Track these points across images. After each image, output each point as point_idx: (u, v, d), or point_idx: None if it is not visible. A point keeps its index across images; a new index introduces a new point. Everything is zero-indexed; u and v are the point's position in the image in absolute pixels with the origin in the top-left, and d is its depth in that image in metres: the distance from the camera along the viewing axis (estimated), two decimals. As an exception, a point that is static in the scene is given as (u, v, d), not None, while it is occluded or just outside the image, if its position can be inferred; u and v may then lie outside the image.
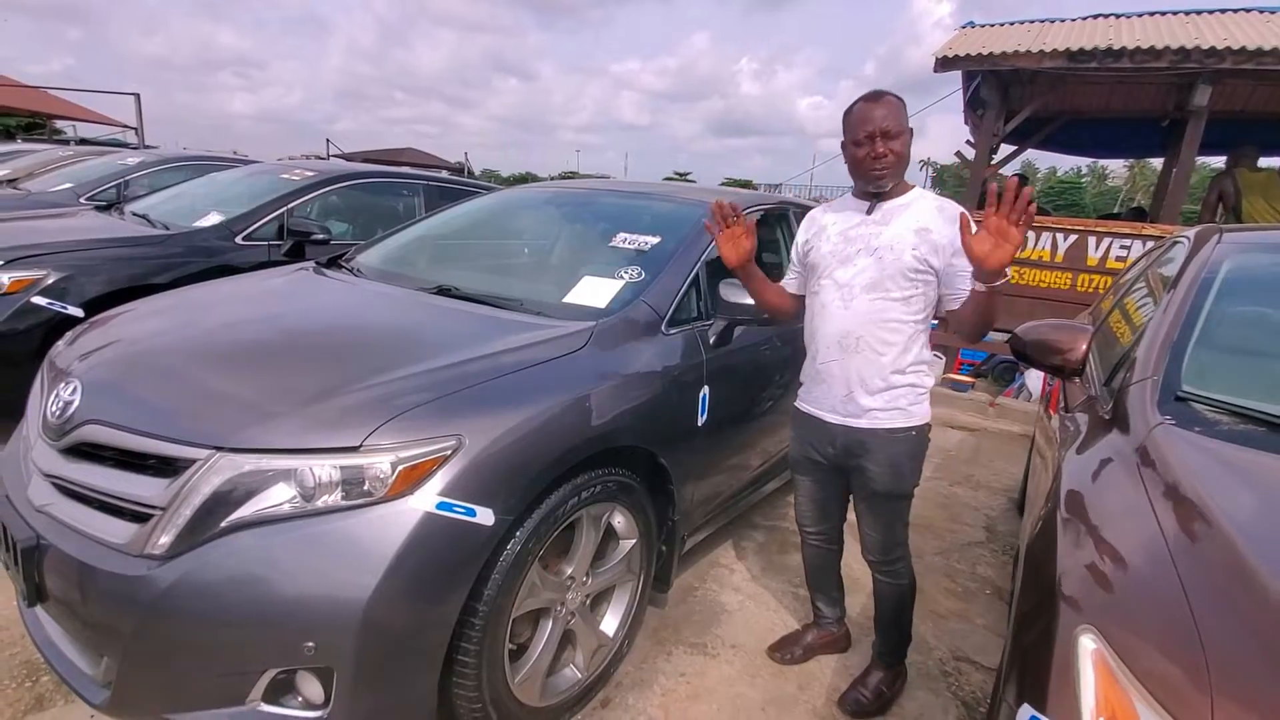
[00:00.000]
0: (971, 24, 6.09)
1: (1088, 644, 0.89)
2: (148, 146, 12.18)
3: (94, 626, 1.34)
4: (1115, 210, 13.37)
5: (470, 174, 24.65)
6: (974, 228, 1.46)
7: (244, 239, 3.68)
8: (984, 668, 2.17)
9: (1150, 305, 1.99)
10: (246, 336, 1.81)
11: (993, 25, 6.00)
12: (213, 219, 3.70)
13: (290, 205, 3.89)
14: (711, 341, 2.12)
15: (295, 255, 3.62)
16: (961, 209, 1.65)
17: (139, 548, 1.27)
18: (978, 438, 4.78)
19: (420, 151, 31.48)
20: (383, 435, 1.32)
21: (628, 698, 1.90)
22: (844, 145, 1.71)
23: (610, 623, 1.90)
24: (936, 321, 1.77)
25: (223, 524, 1.26)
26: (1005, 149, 7.15)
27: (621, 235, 2.34)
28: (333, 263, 2.56)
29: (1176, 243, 2.33)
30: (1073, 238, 5.33)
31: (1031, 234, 5.48)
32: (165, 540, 1.26)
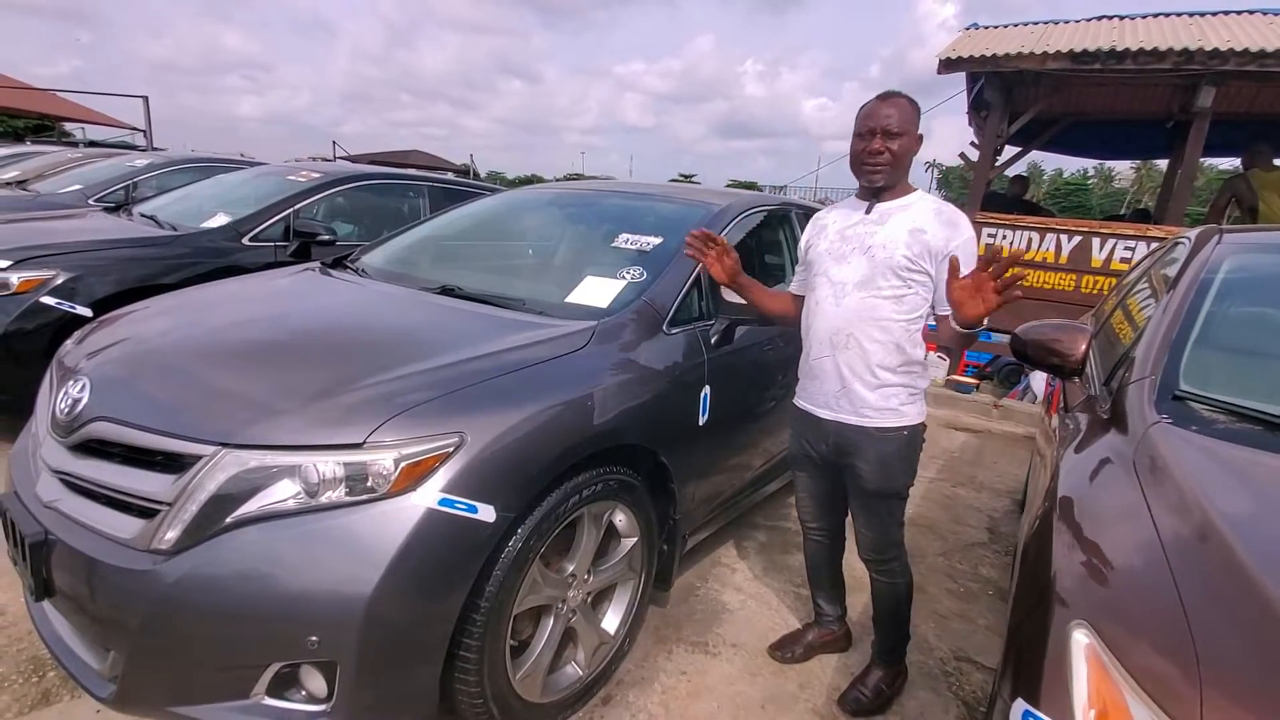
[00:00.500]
0: (975, 26, 6.09)
1: (1081, 639, 0.90)
2: (156, 149, 12.27)
3: (101, 621, 1.36)
4: (1121, 212, 13.34)
5: (475, 176, 24.72)
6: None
7: (251, 240, 3.72)
8: (985, 668, 2.18)
9: (1151, 306, 1.99)
10: (252, 335, 1.83)
11: (996, 27, 6.00)
12: (220, 220, 3.74)
13: (296, 206, 3.92)
14: (713, 341, 2.13)
15: (301, 256, 3.65)
16: (962, 217, 1.67)
17: (146, 543, 1.29)
18: (981, 439, 4.78)
19: (426, 154, 31.61)
20: (386, 432, 1.34)
21: (629, 695, 1.91)
22: (851, 140, 1.74)
23: (611, 621, 1.91)
24: (936, 324, 1.77)
25: (228, 519, 1.28)
26: (1009, 151, 7.14)
27: (624, 236, 2.35)
28: (338, 263, 2.59)
29: (1178, 243, 2.33)
30: (1077, 239, 5.33)
31: (1036, 235, 5.48)
32: (172, 535, 1.28)
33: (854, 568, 2.11)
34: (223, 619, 1.26)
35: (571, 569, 1.71)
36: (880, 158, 1.65)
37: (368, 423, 1.35)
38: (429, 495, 1.32)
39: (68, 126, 20.98)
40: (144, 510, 1.33)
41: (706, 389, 2.07)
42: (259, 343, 1.78)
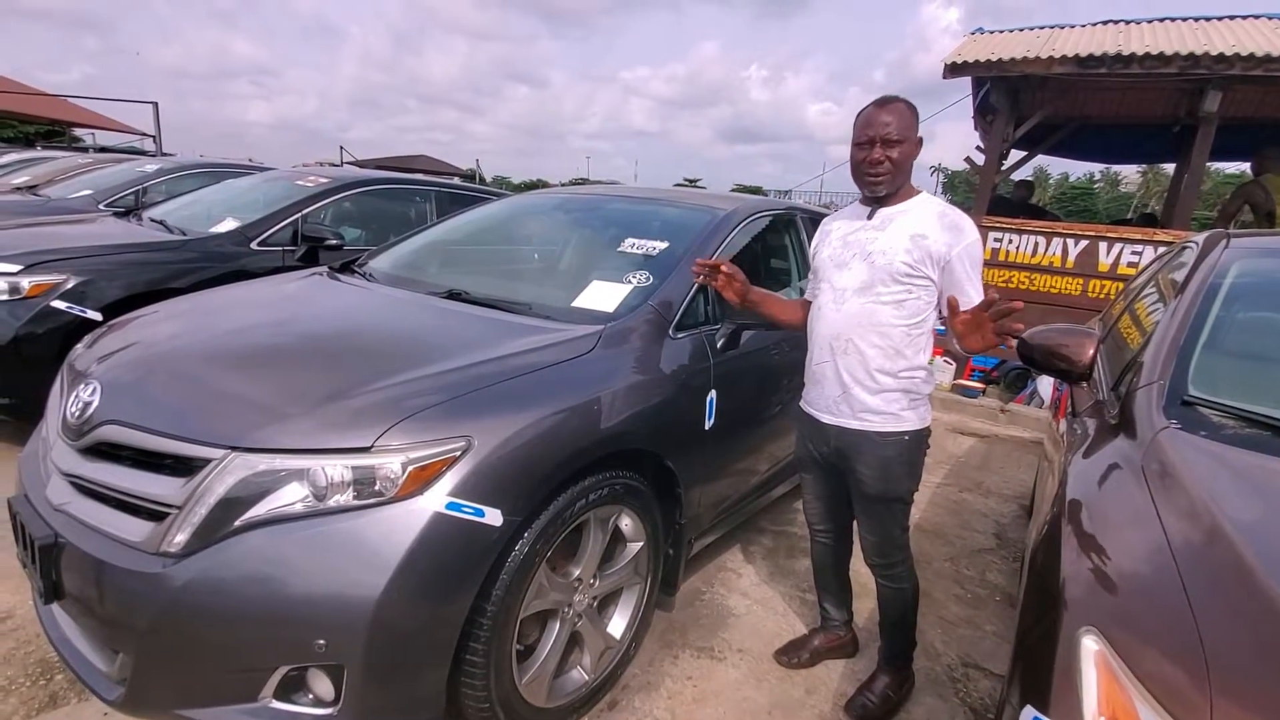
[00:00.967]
0: (981, 30, 6.09)
1: (1090, 645, 0.90)
2: (165, 154, 12.36)
3: (109, 623, 1.36)
4: (1128, 216, 13.30)
5: (481, 180, 24.81)
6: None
7: (259, 244, 3.74)
8: (993, 674, 2.16)
9: (1158, 311, 1.99)
10: (261, 339, 1.84)
11: (1002, 31, 6.00)
12: (228, 225, 3.76)
13: (304, 211, 3.94)
14: (719, 345, 2.13)
15: (309, 260, 3.68)
16: (966, 221, 1.66)
17: (155, 546, 1.30)
18: (988, 444, 4.76)
19: (432, 159, 31.78)
20: (393, 436, 1.34)
21: (634, 700, 1.90)
22: (850, 148, 1.74)
23: (617, 625, 1.91)
24: (945, 328, 1.76)
25: (237, 523, 1.28)
26: (1015, 155, 7.13)
27: (630, 240, 2.36)
28: (346, 268, 2.60)
29: (1186, 248, 2.32)
30: (1083, 243, 5.32)
31: (1042, 239, 5.47)
32: (181, 538, 1.29)
33: (860, 572, 2.10)
34: (231, 622, 1.27)
35: (577, 573, 1.71)
36: (881, 167, 1.64)
37: (375, 426, 1.35)
38: (436, 499, 1.33)
39: (78, 132, 21.17)
40: (153, 513, 1.34)
41: (712, 393, 2.07)
42: (267, 347, 1.79)
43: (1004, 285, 5.58)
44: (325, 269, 2.59)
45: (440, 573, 1.33)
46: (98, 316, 2.90)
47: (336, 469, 1.31)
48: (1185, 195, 5.61)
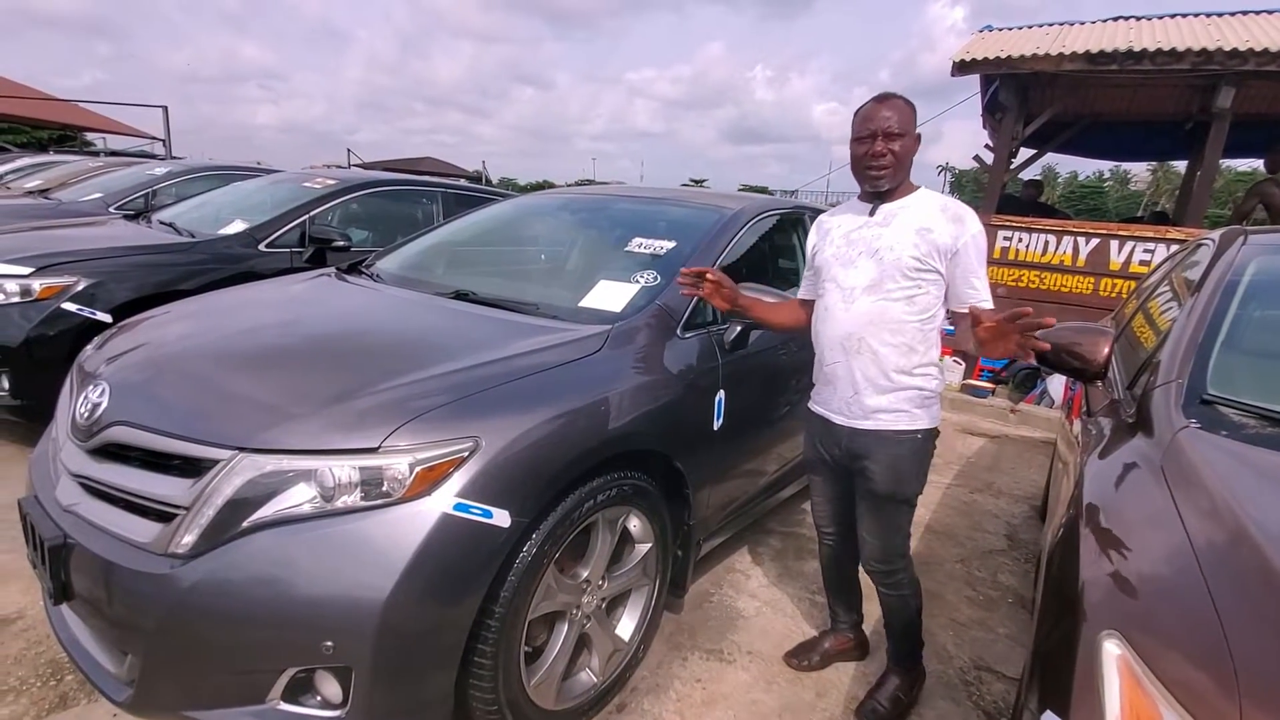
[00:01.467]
0: (989, 28, 6.05)
1: (1112, 649, 0.88)
2: (175, 157, 12.45)
3: (118, 624, 1.36)
4: (1138, 214, 13.19)
5: (487, 182, 24.88)
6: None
7: (267, 246, 3.75)
8: (1006, 677, 2.14)
9: (1174, 309, 1.96)
10: (268, 341, 1.84)
11: (1011, 29, 5.96)
12: (237, 227, 3.78)
13: (312, 213, 3.96)
14: (727, 345, 2.11)
15: (317, 262, 3.68)
16: (968, 212, 1.64)
17: (163, 547, 1.29)
18: (998, 444, 4.71)
19: (439, 160, 31.86)
20: (401, 437, 1.34)
21: (643, 703, 1.89)
22: (850, 144, 1.71)
23: (626, 627, 1.90)
24: (954, 328, 1.74)
25: (244, 524, 1.28)
26: (1025, 153, 7.08)
27: (636, 240, 2.35)
28: (353, 269, 2.60)
29: (1201, 245, 2.29)
30: (1095, 242, 5.27)
31: (1053, 238, 5.42)
32: (189, 539, 1.28)
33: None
34: (238, 623, 1.26)
35: (586, 575, 1.70)
36: (883, 159, 1.62)
37: (383, 427, 1.34)
38: (444, 500, 1.32)
39: (89, 136, 21.34)
40: (162, 514, 1.34)
41: (721, 393, 2.05)
42: (275, 348, 1.79)
43: (1014, 284, 5.54)
44: (333, 270, 2.60)
45: (448, 574, 1.32)
46: (107, 318, 2.91)
47: (344, 470, 1.31)
48: (1198, 193, 5.54)
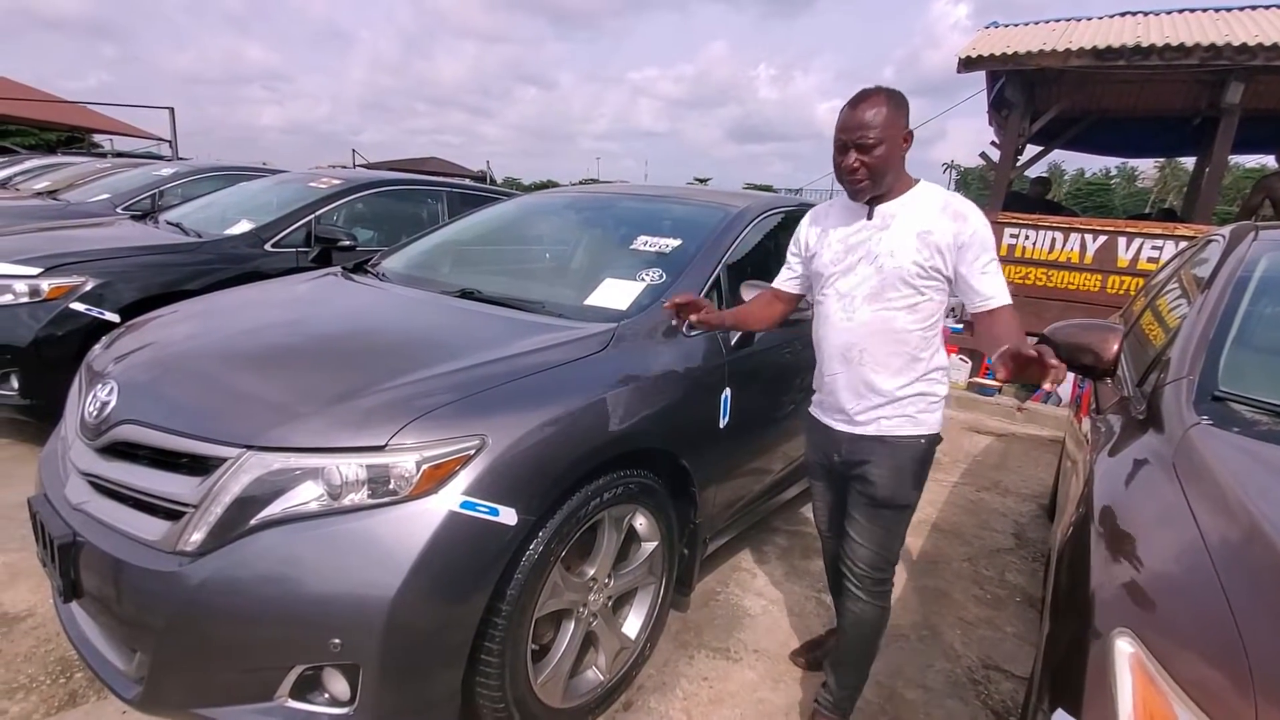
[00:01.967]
0: (995, 24, 6.02)
1: (1124, 648, 0.87)
2: (181, 158, 12.50)
3: (127, 622, 1.37)
4: (1146, 211, 13.11)
5: (492, 182, 24.91)
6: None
7: (273, 246, 3.77)
8: (1014, 676, 2.13)
9: (1184, 305, 1.94)
10: (275, 340, 1.84)
11: (1016, 25, 5.93)
12: (243, 227, 3.79)
13: (317, 213, 3.97)
14: (733, 343, 2.11)
15: (322, 261, 3.69)
16: (971, 208, 1.53)
17: (172, 544, 1.30)
18: (1005, 443, 4.69)
19: (443, 160, 31.91)
20: (407, 435, 1.34)
21: (649, 701, 1.89)
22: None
23: (632, 625, 1.90)
24: (961, 326, 1.70)
25: (252, 521, 1.28)
26: (1031, 150, 7.04)
27: (642, 238, 2.34)
28: (359, 268, 2.61)
29: (1210, 241, 2.27)
30: (1102, 239, 5.23)
31: (1060, 235, 5.39)
32: (197, 537, 1.29)
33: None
34: (247, 621, 1.27)
35: (592, 573, 1.70)
36: (857, 174, 1.51)
37: (390, 425, 1.35)
38: (451, 498, 1.32)
39: (96, 138, 21.47)
40: (170, 512, 1.34)
41: (727, 391, 2.05)
42: (282, 347, 1.79)
43: (1021, 281, 5.51)
44: (339, 269, 2.60)
45: (455, 572, 1.32)
46: (115, 318, 2.93)
47: (351, 468, 1.31)
48: (1207, 189, 5.50)
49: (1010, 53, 5.08)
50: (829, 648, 2.09)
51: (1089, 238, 5.29)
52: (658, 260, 2.21)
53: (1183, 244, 4.33)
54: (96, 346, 1.96)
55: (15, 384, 2.90)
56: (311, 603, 1.25)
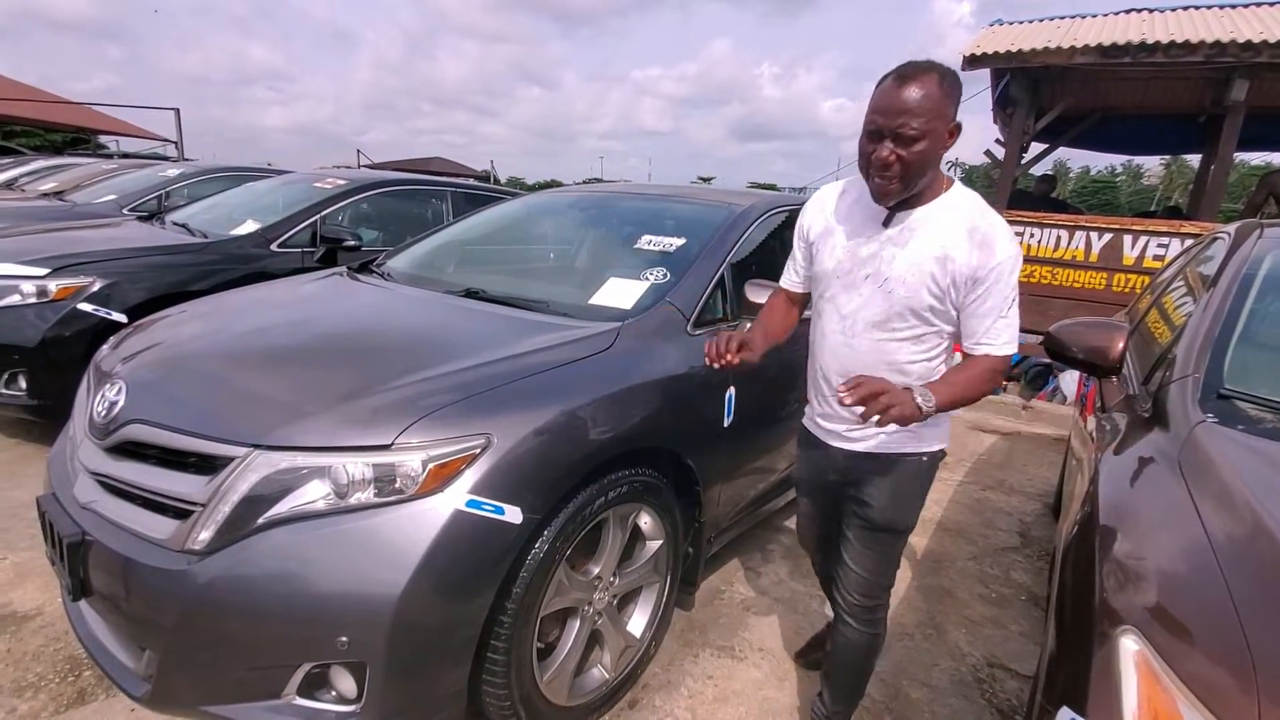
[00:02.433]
0: (999, 21, 6.00)
1: (1130, 646, 0.87)
2: (187, 159, 12.56)
3: (136, 620, 1.38)
4: (1151, 209, 13.06)
5: (495, 181, 24.95)
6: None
7: (279, 246, 3.78)
8: (1019, 675, 2.12)
9: (1189, 303, 1.94)
10: (282, 339, 1.85)
11: (1021, 22, 5.91)
12: (249, 227, 3.81)
13: (323, 213, 3.99)
14: (737, 342, 2.11)
15: (328, 261, 3.72)
16: (1000, 239, 1.29)
17: (180, 543, 1.31)
18: (1010, 441, 4.68)
19: (447, 160, 31.99)
20: (413, 434, 1.34)
21: (655, 699, 1.89)
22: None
23: (637, 624, 1.90)
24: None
25: (260, 520, 1.29)
26: (1036, 148, 7.02)
27: (646, 237, 2.35)
28: (364, 268, 2.61)
29: (1216, 239, 2.27)
30: (1108, 236, 5.21)
31: (1065, 233, 5.38)
32: (205, 536, 1.29)
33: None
34: (254, 619, 1.28)
35: (597, 571, 1.70)
36: (890, 170, 1.25)
37: (396, 424, 1.35)
38: (456, 496, 1.32)
39: (102, 139, 21.57)
40: (178, 511, 1.35)
41: (731, 390, 2.05)
42: (288, 346, 1.80)
43: (1026, 280, 5.50)
44: (344, 269, 2.61)
45: (461, 570, 1.32)
46: (122, 318, 2.95)
47: (357, 467, 1.32)
48: (1212, 187, 5.48)
49: (1015, 50, 5.07)
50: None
51: (1094, 235, 5.27)
52: (662, 259, 2.21)
53: (1188, 242, 4.32)
54: (104, 347, 1.98)
55: (23, 384, 2.92)
56: (319, 601, 1.26)
